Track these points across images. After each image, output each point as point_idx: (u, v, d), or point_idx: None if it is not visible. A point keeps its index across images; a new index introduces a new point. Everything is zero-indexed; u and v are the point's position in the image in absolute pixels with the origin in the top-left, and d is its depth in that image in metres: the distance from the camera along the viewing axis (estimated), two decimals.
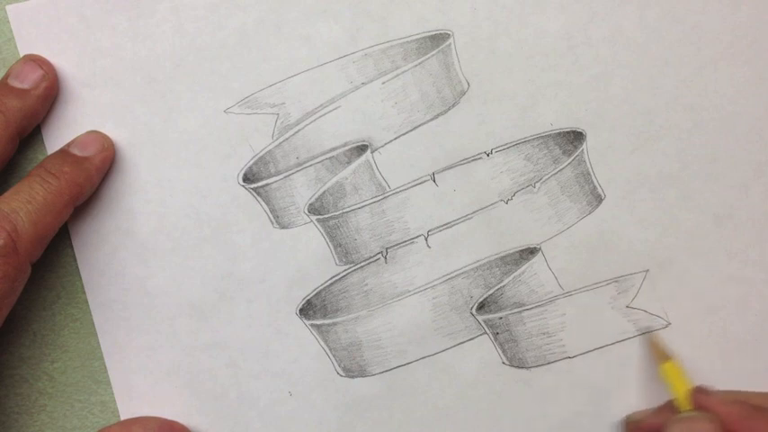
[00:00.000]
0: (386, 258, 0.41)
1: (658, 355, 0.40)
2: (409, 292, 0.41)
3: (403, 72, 0.41)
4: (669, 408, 0.39)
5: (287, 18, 0.41)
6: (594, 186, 0.41)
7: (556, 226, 0.41)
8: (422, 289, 0.41)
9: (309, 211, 0.41)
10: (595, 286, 0.41)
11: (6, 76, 0.40)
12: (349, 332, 0.41)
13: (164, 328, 0.41)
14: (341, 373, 0.41)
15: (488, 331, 0.41)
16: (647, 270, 0.41)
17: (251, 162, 0.41)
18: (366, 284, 0.41)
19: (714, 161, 0.41)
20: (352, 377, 0.41)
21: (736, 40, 0.41)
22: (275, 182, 0.41)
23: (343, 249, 0.41)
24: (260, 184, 0.41)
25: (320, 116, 0.41)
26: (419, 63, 0.41)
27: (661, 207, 0.41)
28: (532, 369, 0.41)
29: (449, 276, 0.41)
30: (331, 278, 0.41)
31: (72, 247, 0.41)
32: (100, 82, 0.41)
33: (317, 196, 0.41)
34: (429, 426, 0.41)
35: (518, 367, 0.41)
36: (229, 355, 0.41)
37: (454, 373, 0.41)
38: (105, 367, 0.41)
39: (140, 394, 0.41)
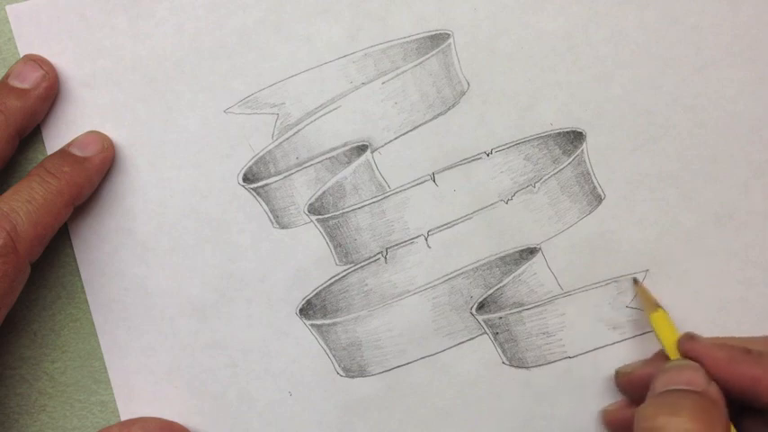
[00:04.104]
0: (386, 258, 0.41)
1: (647, 304, 0.39)
2: (409, 292, 0.41)
3: (403, 72, 0.41)
4: (659, 357, 0.39)
5: (287, 18, 0.41)
6: (594, 186, 0.41)
7: (556, 226, 0.41)
8: (422, 289, 0.41)
9: (309, 211, 0.41)
10: (595, 286, 0.41)
11: (6, 76, 0.40)
12: (349, 332, 0.41)
13: (164, 328, 0.41)
14: (341, 373, 0.41)
15: (488, 331, 0.41)
16: (647, 270, 0.41)
17: (251, 162, 0.41)
18: (366, 284, 0.41)
19: (714, 161, 0.41)
20: (352, 377, 0.41)
21: (736, 40, 0.41)
22: (275, 182, 0.41)
23: (343, 249, 0.41)
24: (260, 184, 0.41)
25: (320, 116, 0.41)
26: (419, 63, 0.41)
27: (661, 207, 0.41)
28: (532, 369, 0.41)
29: (449, 276, 0.41)
30: (331, 278, 0.41)
31: (72, 247, 0.41)
32: (100, 82, 0.41)
33: (317, 196, 0.41)
34: (429, 426, 0.41)
35: (518, 367, 0.41)
36: (229, 355, 0.41)
37: (454, 373, 0.41)
38: (105, 367, 0.41)
39: (140, 394, 0.41)
